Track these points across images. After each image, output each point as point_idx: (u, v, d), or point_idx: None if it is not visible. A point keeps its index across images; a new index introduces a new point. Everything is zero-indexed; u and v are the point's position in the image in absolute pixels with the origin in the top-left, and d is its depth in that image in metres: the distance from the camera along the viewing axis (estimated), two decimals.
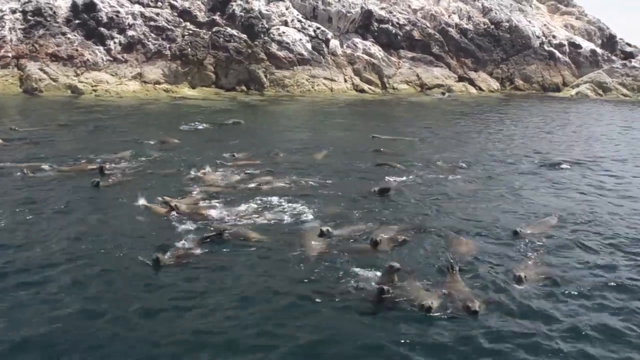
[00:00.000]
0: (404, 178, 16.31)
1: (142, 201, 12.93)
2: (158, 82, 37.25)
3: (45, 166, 16.20)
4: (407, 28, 47.89)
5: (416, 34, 47.94)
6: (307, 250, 10.46)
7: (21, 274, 9.23)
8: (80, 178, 15.26)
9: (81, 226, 11.53)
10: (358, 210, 13.14)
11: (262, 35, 41.09)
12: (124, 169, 16.34)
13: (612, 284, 9.54)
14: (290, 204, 13.22)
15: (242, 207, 12.97)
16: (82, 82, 35.19)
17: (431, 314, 8.22)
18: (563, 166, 19.11)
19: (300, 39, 41.87)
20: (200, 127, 24.83)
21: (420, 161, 18.83)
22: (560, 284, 9.42)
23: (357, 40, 45.61)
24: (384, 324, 8.10)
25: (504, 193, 15.36)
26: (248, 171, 16.25)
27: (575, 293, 9.11)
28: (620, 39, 60.26)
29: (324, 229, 11.14)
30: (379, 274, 9.39)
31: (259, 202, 13.39)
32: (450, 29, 49.76)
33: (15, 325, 7.71)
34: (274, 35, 41.48)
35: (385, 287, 8.60)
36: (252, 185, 14.89)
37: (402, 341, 7.62)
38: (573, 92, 47.59)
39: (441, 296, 8.67)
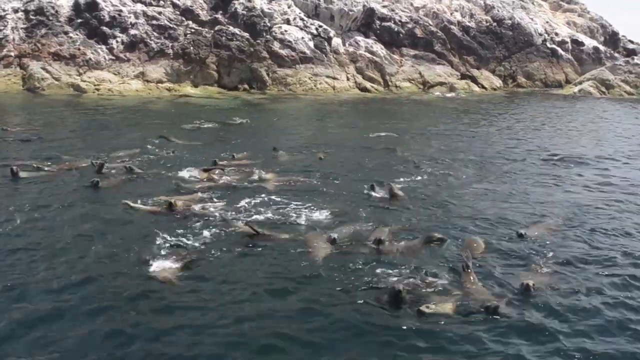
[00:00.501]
0: (413, 178, 16.23)
1: (128, 201, 12.84)
2: (160, 81, 37.20)
3: (39, 165, 15.89)
4: (410, 26, 47.79)
5: (418, 31, 47.81)
6: (314, 251, 10.31)
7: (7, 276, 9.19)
8: (75, 176, 15.22)
9: (75, 226, 11.45)
10: (364, 209, 13.11)
11: (264, 34, 41.01)
12: (122, 167, 16.12)
13: (622, 297, 9.09)
14: (293, 203, 13.18)
15: (244, 205, 12.97)
16: (84, 81, 35.17)
17: (448, 317, 8.15)
18: (570, 164, 19.10)
19: (303, 38, 41.81)
20: (203, 126, 24.80)
21: (427, 159, 18.81)
22: (567, 293, 9.08)
23: (360, 38, 45.53)
24: (398, 327, 7.97)
25: (512, 191, 15.32)
26: (248, 170, 16.20)
27: (582, 304, 8.75)
28: (623, 36, 60.24)
29: (333, 236, 10.84)
30: (386, 271, 9.39)
31: (260, 200, 13.37)
32: (452, 26, 49.66)
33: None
34: (276, 33, 41.41)
35: (401, 287, 8.47)
36: (253, 184, 14.89)
37: (412, 343, 7.57)
38: (576, 89, 47.38)
39: (457, 298, 8.59)
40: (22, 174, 14.83)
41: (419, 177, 16.32)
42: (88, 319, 7.94)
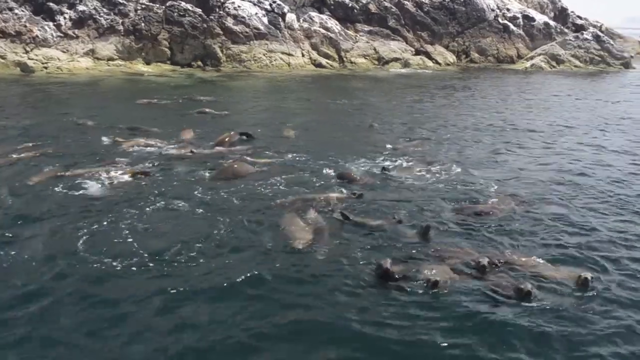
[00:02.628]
0: (378, 154, 16.12)
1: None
2: (111, 59, 36.22)
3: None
4: (364, 1, 47.55)
5: (372, 7, 47.64)
6: (293, 239, 9.68)
7: None
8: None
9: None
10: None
11: (217, 10, 40.25)
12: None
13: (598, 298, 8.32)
14: (262, 181, 12.96)
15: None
16: (32, 59, 33.96)
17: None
18: (528, 138, 19.33)
19: (256, 13, 41.18)
20: (158, 102, 24.26)
21: (391, 133, 18.77)
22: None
23: (314, 14, 45.12)
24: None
25: (475, 163, 15.38)
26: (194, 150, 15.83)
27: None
28: (572, 11, 61.09)
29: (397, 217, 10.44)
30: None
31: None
32: (406, 2, 49.60)
33: None
34: (229, 9, 40.66)
35: (388, 261, 8.37)
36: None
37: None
38: (528, 64, 48.16)
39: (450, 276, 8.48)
40: None
41: (384, 152, 16.21)
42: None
